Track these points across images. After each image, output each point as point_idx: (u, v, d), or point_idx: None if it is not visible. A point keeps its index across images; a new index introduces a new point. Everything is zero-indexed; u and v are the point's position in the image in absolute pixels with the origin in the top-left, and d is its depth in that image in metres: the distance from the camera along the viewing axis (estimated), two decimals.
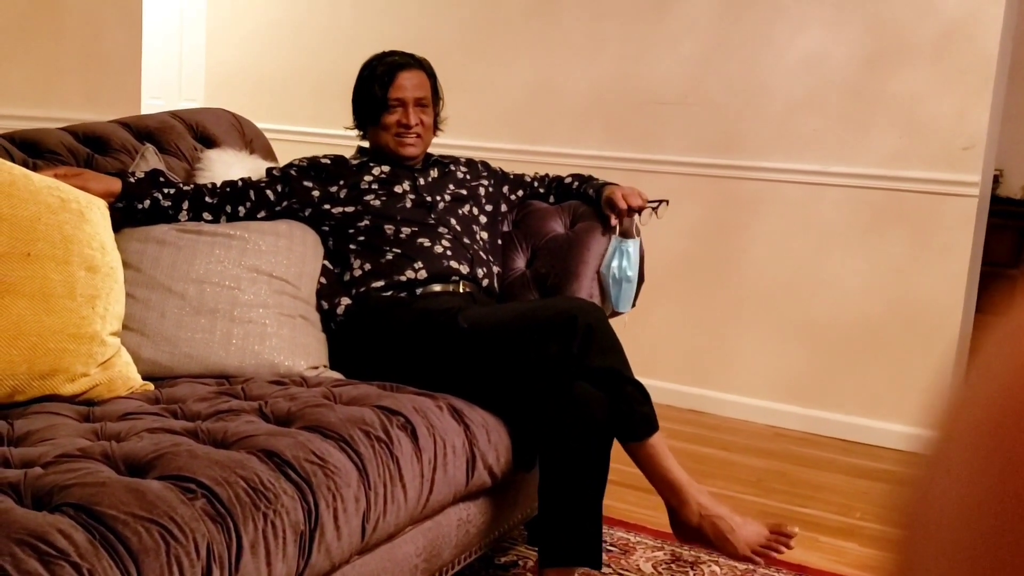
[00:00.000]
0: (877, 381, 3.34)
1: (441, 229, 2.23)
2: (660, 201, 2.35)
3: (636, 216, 2.35)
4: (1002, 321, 0.27)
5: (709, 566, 2.26)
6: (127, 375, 1.75)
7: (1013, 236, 5.02)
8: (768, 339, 3.51)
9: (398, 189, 2.27)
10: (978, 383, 0.27)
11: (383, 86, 2.27)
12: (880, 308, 3.33)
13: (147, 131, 2.24)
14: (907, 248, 3.29)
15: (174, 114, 2.37)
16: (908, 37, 3.24)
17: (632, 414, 1.88)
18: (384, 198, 2.24)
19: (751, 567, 2.20)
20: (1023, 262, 5.04)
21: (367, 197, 2.23)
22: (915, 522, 0.28)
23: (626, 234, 2.34)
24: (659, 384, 3.39)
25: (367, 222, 2.21)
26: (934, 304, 3.26)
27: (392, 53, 2.35)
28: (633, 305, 2.38)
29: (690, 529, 1.91)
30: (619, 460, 1.87)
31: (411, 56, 2.34)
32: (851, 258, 3.37)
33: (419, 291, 2.14)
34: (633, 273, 2.32)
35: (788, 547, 1.90)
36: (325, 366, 2.05)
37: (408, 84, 2.27)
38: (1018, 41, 3.87)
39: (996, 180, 4.78)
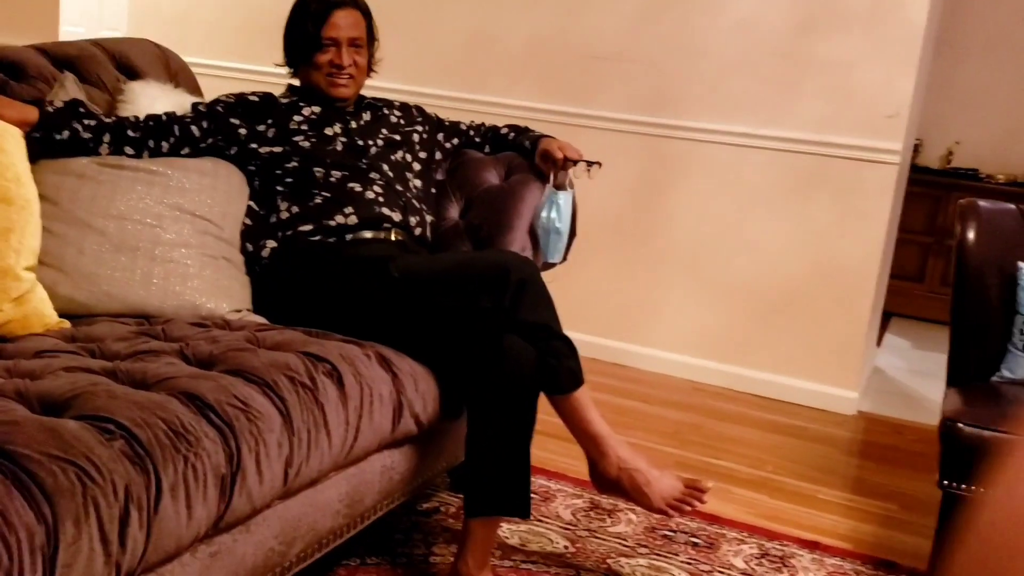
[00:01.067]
0: (793, 340, 3.43)
1: (373, 174, 2.20)
2: (594, 162, 2.35)
3: (571, 169, 2.35)
4: (1006, 465, 0.33)
5: (626, 514, 2.31)
6: (42, 312, 1.70)
7: (928, 204, 5.18)
8: (691, 296, 3.57)
9: (328, 131, 2.22)
10: (980, 527, 0.32)
11: (316, 24, 2.21)
12: (799, 270, 3.41)
13: (66, 59, 2.14)
14: (828, 212, 3.36)
15: (96, 42, 2.27)
16: (840, 5, 3.28)
17: (559, 368, 1.89)
18: (314, 140, 2.19)
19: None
20: (936, 230, 5.21)
21: (296, 138, 2.18)
22: None
23: (559, 187, 2.34)
24: (584, 337, 3.42)
25: (295, 164, 2.16)
26: (851, 268, 3.35)
27: None
28: (564, 258, 2.39)
29: (608, 481, 1.95)
30: (541, 410, 1.89)
31: None
32: (774, 220, 3.43)
33: (349, 237, 2.11)
34: (562, 225, 2.33)
35: (702, 502, 1.95)
36: (248, 309, 2.02)
37: (343, 23, 2.22)
38: (946, 15, 3.95)
39: (915, 149, 4.91)
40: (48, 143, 1.91)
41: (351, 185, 2.16)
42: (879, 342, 4.40)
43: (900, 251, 4.19)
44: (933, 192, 5.16)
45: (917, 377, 4.05)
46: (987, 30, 5.18)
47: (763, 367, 3.47)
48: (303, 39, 2.22)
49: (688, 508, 1.95)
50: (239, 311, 1.97)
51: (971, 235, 2.34)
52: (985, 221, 2.38)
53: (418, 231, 2.23)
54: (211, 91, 2.50)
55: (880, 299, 3.69)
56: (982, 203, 2.43)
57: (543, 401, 1.91)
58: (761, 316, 3.47)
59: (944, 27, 4.09)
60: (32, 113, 1.90)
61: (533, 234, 2.34)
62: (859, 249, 3.34)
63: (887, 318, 4.77)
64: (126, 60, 2.28)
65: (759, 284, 3.46)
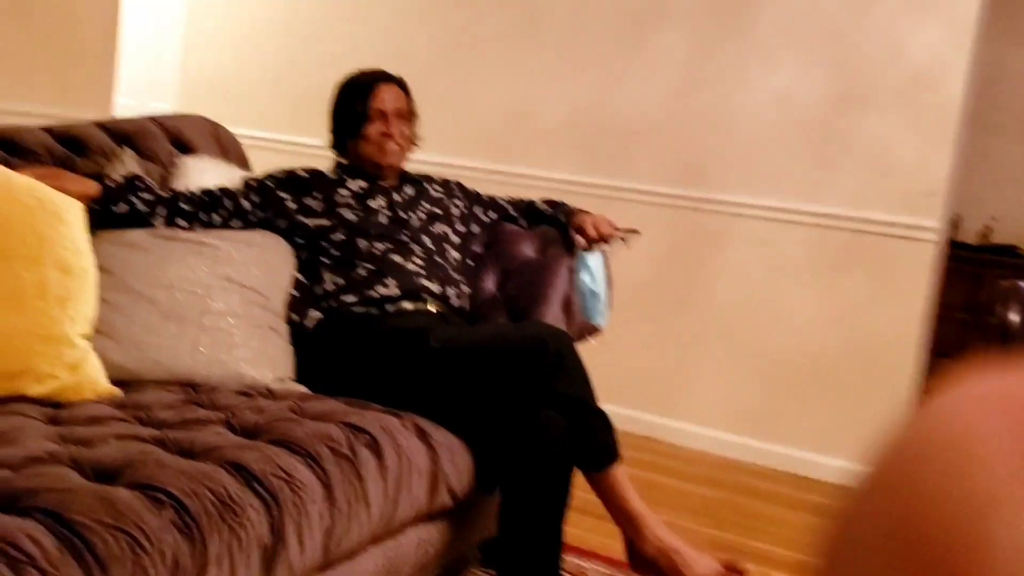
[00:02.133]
0: (830, 417, 3.41)
1: (414, 246, 2.25)
2: (630, 230, 2.39)
3: (604, 244, 2.39)
4: (931, 398, 0.34)
5: None
6: (94, 379, 1.75)
7: (967, 280, 5.15)
8: (725, 370, 3.57)
9: (373, 204, 2.29)
10: (895, 445, 0.34)
11: (364, 99, 2.30)
12: (836, 346, 3.40)
13: (125, 134, 2.24)
14: (865, 288, 3.37)
15: (152, 119, 2.37)
16: (876, 82, 3.33)
17: (595, 443, 1.91)
18: (360, 213, 2.26)
19: None
20: (976, 307, 5.17)
21: (342, 210, 2.25)
22: (836, 552, 0.34)
23: (587, 249, 2.38)
24: (615, 410, 3.41)
25: (341, 236, 2.22)
26: (889, 344, 3.34)
27: (369, 70, 2.38)
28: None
29: (645, 560, 1.94)
30: (574, 486, 1.89)
31: (388, 73, 2.38)
32: (810, 295, 3.44)
33: (390, 308, 2.16)
34: (597, 287, 2.35)
35: None
36: (291, 379, 2.06)
37: (388, 96, 2.31)
38: (980, 92, 3.99)
39: (953, 225, 4.91)
40: (107, 215, 1.99)
41: (393, 257, 2.21)
42: None
43: (938, 327, 4.16)
44: (971, 268, 5.13)
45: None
46: (1022, 107, 5.20)
47: (799, 444, 3.45)
48: (351, 115, 2.30)
49: None
50: (282, 380, 2.01)
51: (1013, 317, 2.34)
52: None
53: (456, 302, 2.27)
54: (258, 162, 2.58)
55: (919, 376, 3.66)
56: None
57: (577, 476, 1.92)
58: (797, 392, 3.46)
59: (979, 104, 4.13)
60: (93, 187, 1.98)
61: (568, 304, 2.37)
62: (897, 325, 3.33)
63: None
64: (180, 135, 2.37)
65: (795, 359, 3.46)
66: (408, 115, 2.36)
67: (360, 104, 2.30)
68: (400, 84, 2.37)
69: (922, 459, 0.31)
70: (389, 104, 2.31)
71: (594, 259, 2.36)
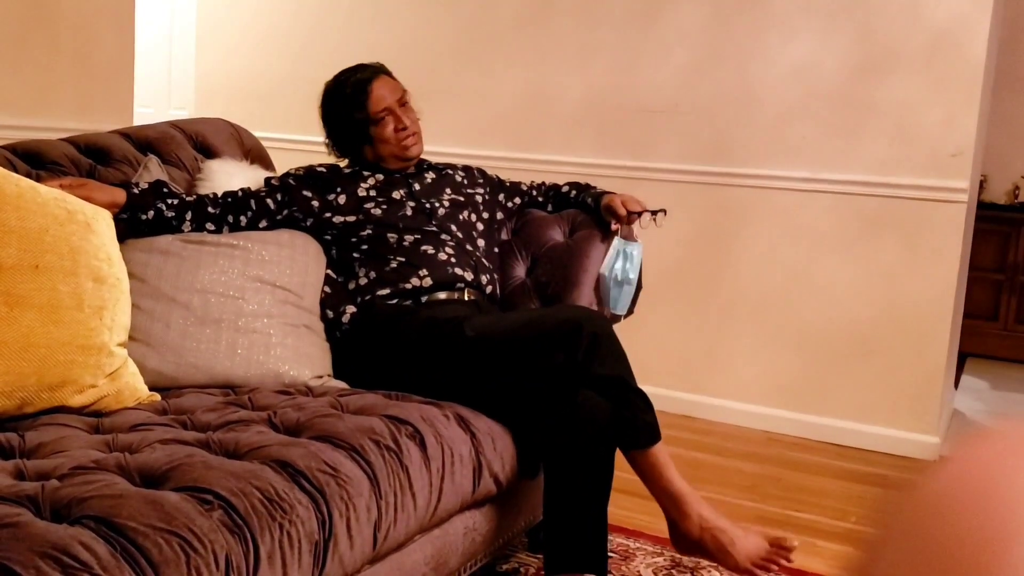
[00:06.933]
0: (868, 386, 3.38)
1: (443, 236, 2.24)
2: (659, 210, 2.37)
3: (637, 221, 2.37)
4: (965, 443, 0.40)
5: (709, 572, 2.28)
6: (134, 386, 1.76)
7: (997, 241, 5.08)
8: (760, 344, 3.54)
9: (396, 195, 2.27)
10: (933, 482, 0.40)
11: (361, 105, 2.26)
12: (871, 313, 3.37)
13: (148, 142, 2.24)
14: (897, 253, 3.33)
15: (174, 124, 2.37)
16: (897, 46, 3.28)
17: (635, 422, 1.89)
18: (384, 206, 2.25)
19: None
20: (1007, 267, 5.10)
21: (367, 205, 2.24)
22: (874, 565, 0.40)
23: (628, 237, 2.36)
24: (652, 389, 3.38)
25: (369, 231, 2.21)
26: (924, 309, 3.30)
27: (348, 72, 2.32)
28: (631, 311, 2.40)
29: (690, 541, 1.92)
30: (616, 466, 1.88)
31: (369, 65, 2.33)
32: (842, 264, 3.40)
33: (424, 299, 2.15)
34: (634, 276, 2.34)
35: (788, 560, 1.91)
36: (329, 375, 2.06)
37: (385, 90, 2.28)
38: (1003, 50, 3.93)
39: (980, 186, 4.84)
40: (135, 223, 2.00)
41: (424, 248, 2.20)
42: (956, 384, 4.30)
43: (972, 289, 4.11)
44: (1001, 228, 5.07)
45: (999, 419, 3.94)
46: None
47: (839, 414, 3.42)
48: (355, 124, 2.27)
49: (775, 567, 1.92)
50: (320, 377, 2.01)
51: None
52: None
53: (489, 289, 2.26)
54: (279, 164, 2.58)
55: (955, 340, 3.62)
56: None
57: (619, 457, 1.91)
58: (834, 362, 3.43)
59: (1002, 61, 4.06)
60: (120, 195, 1.98)
61: (599, 288, 2.35)
62: (931, 290, 3.29)
63: (962, 359, 4.67)
64: (203, 140, 2.37)
65: (830, 329, 3.42)
66: (406, 99, 2.33)
67: (360, 112, 2.26)
68: (386, 71, 2.33)
69: (954, 497, 0.36)
70: (390, 98, 2.28)
71: (637, 248, 2.34)
